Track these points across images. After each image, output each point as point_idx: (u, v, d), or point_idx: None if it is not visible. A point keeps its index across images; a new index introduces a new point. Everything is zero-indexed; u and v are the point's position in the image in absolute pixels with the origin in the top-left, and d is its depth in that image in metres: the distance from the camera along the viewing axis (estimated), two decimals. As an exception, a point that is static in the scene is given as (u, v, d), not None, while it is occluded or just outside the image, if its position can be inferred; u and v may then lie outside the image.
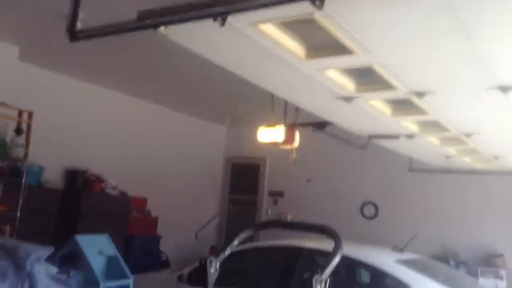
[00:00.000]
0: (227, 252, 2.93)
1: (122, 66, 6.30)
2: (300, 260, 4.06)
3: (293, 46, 2.39)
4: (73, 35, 2.29)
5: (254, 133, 5.29)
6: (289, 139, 4.60)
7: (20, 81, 5.82)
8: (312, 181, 6.77)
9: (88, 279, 3.41)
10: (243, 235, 3.04)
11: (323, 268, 2.33)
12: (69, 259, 3.43)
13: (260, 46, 2.30)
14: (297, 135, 4.66)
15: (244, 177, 9.74)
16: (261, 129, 4.74)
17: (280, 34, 2.25)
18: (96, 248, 3.64)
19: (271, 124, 4.71)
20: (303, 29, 2.31)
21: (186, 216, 8.60)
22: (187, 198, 8.69)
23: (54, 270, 3.05)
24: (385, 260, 3.99)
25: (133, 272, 5.98)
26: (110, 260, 3.71)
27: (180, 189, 8.56)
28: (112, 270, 3.70)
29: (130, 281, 3.70)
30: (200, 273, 2.83)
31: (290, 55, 2.42)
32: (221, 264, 4.15)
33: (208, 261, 2.73)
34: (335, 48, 2.37)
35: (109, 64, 6.26)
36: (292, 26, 2.29)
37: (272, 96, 4.61)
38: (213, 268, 2.74)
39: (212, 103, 8.01)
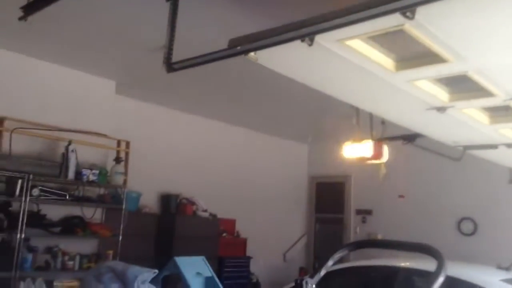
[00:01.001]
0: (323, 272, 2.89)
1: (210, 92, 6.58)
2: (397, 280, 3.90)
3: (382, 58, 2.36)
4: (170, 66, 2.45)
5: (336, 150, 5.22)
6: (377, 153, 4.49)
7: (118, 113, 6.28)
8: (404, 197, 6.48)
9: (188, 299, 3.53)
10: (337, 255, 2.98)
11: None
12: (169, 281, 3.59)
13: (348, 62, 2.30)
14: (385, 149, 4.54)
15: (330, 195, 9.61)
16: (347, 145, 4.67)
17: (368, 48, 2.24)
18: (194, 269, 3.77)
19: (357, 139, 4.62)
20: (391, 40, 2.28)
21: (273, 236, 8.65)
22: (274, 218, 8.75)
23: (158, 292, 3.20)
24: (491, 279, 3.71)
25: (225, 294, 6.12)
26: (207, 281, 3.82)
27: (267, 210, 8.65)
28: (209, 291, 3.80)
29: (226, 301, 3.78)
30: None
31: (379, 68, 2.39)
32: (317, 285, 4.12)
33: (304, 281, 2.70)
34: (427, 57, 2.30)
35: (198, 92, 6.57)
36: (380, 39, 2.27)
37: (356, 110, 4.56)
38: None
39: (293, 121, 8.06)
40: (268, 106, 7.05)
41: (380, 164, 4.85)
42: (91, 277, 2.92)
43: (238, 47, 2.13)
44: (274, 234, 8.71)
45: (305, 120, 7.84)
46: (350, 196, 9.22)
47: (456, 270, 3.80)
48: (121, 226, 5.75)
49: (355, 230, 8.97)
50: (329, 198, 9.64)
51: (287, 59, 2.31)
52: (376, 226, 8.48)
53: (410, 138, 4.40)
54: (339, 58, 2.25)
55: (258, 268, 8.14)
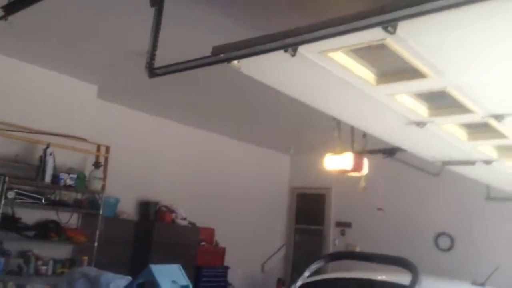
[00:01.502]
0: (299, 283, 2.88)
1: (192, 100, 6.56)
2: (373, 292, 3.91)
3: (363, 72, 2.38)
4: (152, 71, 2.44)
5: (318, 162, 5.23)
6: (357, 166, 4.51)
7: (99, 117, 6.21)
8: (383, 210, 6.55)
9: (163, 308, 3.48)
10: (314, 266, 2.98)
11: None
12: (143, 289, 3.53)
13: (330, 74, 2.32)
14: (365, 162, 4.57)
15: (310, 207, 9.63)
16: (328, 157, 4.69)
17: (349, 61, 2.27)
18: (170, 277, 3.71)
19: (338, 151, 4.65)
20: (372, 54, 2.31)
21: (252, 246, 8.62)
22: (253, 228, 8.72)
23: (130, 299, 3.14)
24: None
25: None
26: (183, 290, 3.78)
27: (247, 220, 8.62)
28: (185, 300, 3.75)
29: (202, 310, 3.74)
30: None
31: (361, 81, 2.42)
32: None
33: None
34: (407, 72, 2.33)
35: (180, 99, 6.55)
36: (362, 52, 2.30)
37: (338, 122, 4.59)
38: None
39: (276, 132, 8.08)
40: (251, 115, 7.06)
41: (360, 176, 4.87)
42: (64, 283, 2.86)
43: (221, 55, 2.13)
44: (253, 244, 8.67)
45: (288, 131, 7.87)
46: (330, 208, 9.25)
47: (432, 284, 3.83)
48: (97, 232, 5.66)
49: (334, 242, 8.99)
50: (309, 209, 9.66)
51: (270, 69, 2.31)
52: (355, 238, 8.51)
53: (390, 152, 4.45)
54: (322, 69, 2.26)
55: (236, 278, 8.08)
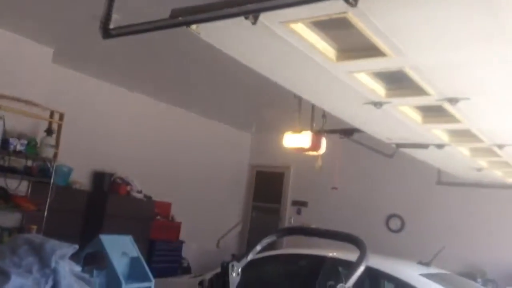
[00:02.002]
0: (250, 257, 2.88)
1: (152, 70, 6.39)
2: (323, 269, 4.00)
3: (324, 47, 2.36)
4: (107, 32, 2.33)
5: (279, 141, 5.25)
6: (315, 145, 4.55)
7: (53, 82, 5.96)
8: (337, 189, 6.68)
9: (111, 279, 3.43)
10: (266, 241, 3.00)
11: (347, 276, 2.26)
12: (93, 259, 3.46)
13: (291, 46, 2.28)
14: (323, 142, 4.61)
15: (268, 185, 9.71)
16: (287, 135, 4.70)
17: (311, 35, 2.23)
18: (120, 249, 3.67)
19: (297, 130, 4.66)
20: (335, 29, 2.28)
21: (209, 222, 8.61)
22: (210, 204, 8.71)
23: (78, 268, 3.08)
24: (411, 273, 3.89)
25: (154, 277, 6.02)
26: (133, 262, 3.73)
27: (204, 195, 8.59)
28: (134, 272, 3.72)
29: (151, 283, 3.72)
30: (221, 278, 2.78)
31: (321, 56, 2.39)
32: (243, 270, 4.13)
33: (230, 265, 2.68)
34: (367, 50, 2.32)
35: (139, 68, 6.37)
36: (325, 27, 2.27)
37: (299, 101, 4.59)
38: (235, 273, 2.69)
39: (238, 109, 8.03)
40: (213, 90, 6.97)
41: (317, 155, 4.92)
42: (6, 249, 2.74)
43: (179, 18, 2.05)
44: (210, 220, 8.67)
45: (250, 109, 7.84)
46: (288, 187, 9.36)
47: (380, 263, 3.96)
48: (48, 201, 5.48)
49: (289, 221, 9.11)
50: (267, 187, 9.74)
51: (230, 36, 2.25)
52: (310, 218, 8.65)
53: (348, 132, 4.50)
54: (282, 41, 2.22)
55: (190, 253, 8.08)
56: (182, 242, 7.84)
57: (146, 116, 7.67)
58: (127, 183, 7.02)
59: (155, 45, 5.15)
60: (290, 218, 9.14)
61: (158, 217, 7.58)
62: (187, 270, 7.91)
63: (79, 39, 5.44)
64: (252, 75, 2.78)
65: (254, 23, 2.00)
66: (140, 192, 7.15)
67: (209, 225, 8.65)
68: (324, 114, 4.58)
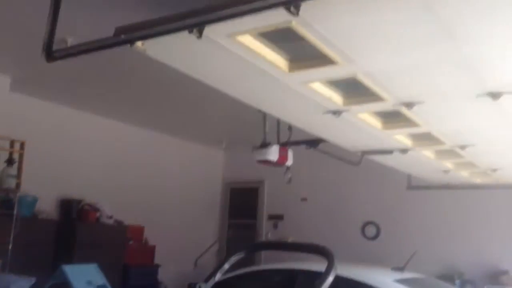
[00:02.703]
0: (218, 276, 2.82)
1: (114, 92, 6.29)
2: (297, 283, 3.93)
3: (275, 58, 2.34)
4: (50, 54, 2.26)
5: (251, 156, 5.20)
6: (282, 158, 4.52)
7: (12, 111, 5.79)
8: (307, 200, 6.66)
9: (77, 310, 3.30)
10: (233, 258, 2.95)
11: None
12: (57, 290, 3.33)
13: (241, 59, 2.25)
14: (290, 154, 4.58)
15: (243, 201, 9.62)
16: (254, 149, 4.66)
17: (260, 46, 2.21)
18: (85, 277, 3.54)
19: (264, 143, 4.63)
20: (283, 39, 2.27)
21: (185, 243, 8.45)
22: (185, 225, 8.56)
23: (39, 301, 2.95)
24: (384, 279, 3.87)
25: (130, 303, 5.84)
26: (100, 290, 3.61)
27: (178, 216, 8.44)
28: (102, 300, 3.59)
29: (120, 311, 3.59)
30: None
31: (273, 68, 2.37)
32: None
33: (197, 286, 2.61)
34: (318, 59, 2.32)
35: (101, 91, 6.25)
36: (274, 38, 2.25)
37: (264, 115, 4.57)
38: None
39: (207, 126, 7.97)
40: (179, 109, 6.90)
41: (285, 168, 4.89)
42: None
43: (122, 36, 2.00)
44: (186, 241, 8.51)
45: (219, 125, 7.78)
46: (263, 201, 9.29)
47: (353, 271, 3.93)
48: (12, 234, 5.28)
49: (267, 236, 9.03)
50: (243, 203, 9.64)
51: (176, 52, 2.21)
52: (287, 230, 8.59)
53: (313, 143, 4.49)
54: (231, 54, 2.19)
55: (167, 276, 7.89)
56: (158, 266, 7.65)
57: (112, 139, 7.53)
58: (96, 209, 6.83)
59: (115, 66, 5.08)
60: (267, 233, 9.06)
61: (131, 241, 7.39)
62: (164, 294, 7.73)
63: (36, 65, 5.28)
64: (214, 90, 2.73)
65: (199, 37, 1.96)
66: (110, 217, 6.97)
67: (185, 246, 8.48)
68: (290, 127, 4.57)
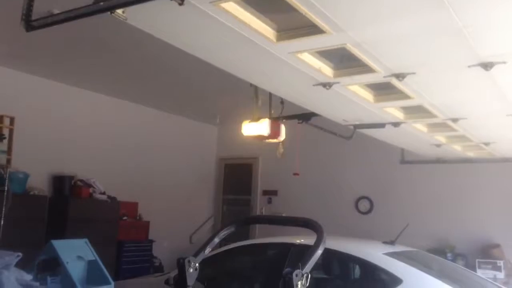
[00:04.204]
0: (207, 250, 2.78)
1: (107, 67, 6.17)
2: (289, 256, 3.94)
3: (262, 27, 2.27)
4: (29, 24, 2.17)
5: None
6: (274, 132, 4.48)
7: (1, 86, 5.69)
8: (299, 174, 6.66)
9: (66, 285, 3.27)
10: (223, 233, 2.90)
11: (304, 262, 2.18)
12: (46, 266, 3.29)
13: (226, 28, 2.18)
14: (282, 128, 4.54)
15: (238, 177, 9.61)
16: (245, 124, 4.61)
17: (245, 14, 2.14)
18: (75, 253, 3.50)
19: (255, 118, 4.58)
20: (271, 8, 2.20)
21: (179, 219, 8.45)
22: (180, 201, 8.55)
23: (28, 277, 2.92)
24: (374, 253, 3.87)
25: (124, 278, 5.86)
26: (90, 265, 3.57)
27: (173, 192, 8.42)
28: (92, 275, 3.56)
29: (111, 286, 3.56)
30: (179, 275, 2.68)
31: (260, 37, 2.30)
32: (212, 263, 4.06)
33: (186, 261, 2.57)
34: (307, 28, 2.25)
35: (94, 66, 6.13)
36: (260, 6, 2.18)
37: (255, 89, 4.51)
38: (192, 268, 2.57)
39: (201, 102, 7.88)
40: (172, 84, 6.80)
41: (278, 143, 4.86)
42: None
43: (102, 3, 1.92)
44: (181, 217, 8.51)
45: (212, 101, 7.69)
46: (257, 177, 9.28)
47: (343, 245, 3.94)
48: (3, 210, 5.25)
49: (261, 211, 9.05)
50: (237, 179, 9.64)
51: (159, 20, 2.13)
52: (281, 206, 8.60)
53: (305, 117, 4.43)
54: (216, 21, 2.12)
55: (161, 251, 7.92)
56: (152, 241, 7.67)
57: (104, 114, 7.43)
58: (89, 185, 6.79)
59: (105, 41, 4.97)
60: (261, 208, 9.08)
61: (125, 217, 7.39)
62: (159, 269, 7.76)
63: (24, 39, 5.18)
64: (207, 64, 2.66)
65: (181, 3, 1.89)
66: (103, 193, 6.94)
67: (180, 222, 8.49)
68: (282, 101, 4.51)
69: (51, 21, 2.14)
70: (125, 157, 7.61)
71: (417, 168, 7.07)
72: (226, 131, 9.50)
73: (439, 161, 6.31)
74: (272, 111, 4.74)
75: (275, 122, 4.53)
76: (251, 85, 4.40)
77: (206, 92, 7.12)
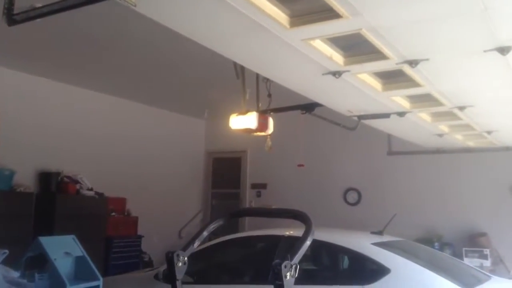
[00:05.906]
0: (196, 244, 2.71)
1: (93, 62, 5.98)
2: (278, 248, 3.88)
3: (275, 12, 2.15)
4: (11, 18, 2.02)
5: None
6: (262, 126, 4.36)
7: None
8: (304, 166, 6.63)
9: (54, 281, 3.17)
10: (212, 226, 2.87)
11: (292, 253, 2.13)
12: (33, 262, 3.19)
13: (238, 12, 2.05)
14: (270, 122, 4.44)
15: (226, 170, 9.51)
16: (233, 117, 4.49)
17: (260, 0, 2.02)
18: (62, 249, 3.40)
19: (243, 111, 4.46)
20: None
21: (168, 214, 8.33)
22: (168, 195, 8.41)
23: (15, 274, 2.81)
24: (362, 243, 3.85)
25: (113, 274, 5.73)
26: (78, 261, 3.49)
27: (161, 187, 8.28)
28: (81, 272, 3.48)
29: (99, 282, 3.47)
30: (168, 269, 2.60)
31: (273, 23, 2.19)
32: (201, 257, 3.97)
33: (174, 255, 2.49)
34: (322, 12, 2.15)
35: (79, 60, 5.93)
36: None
37: (242, 82, 4.40)
38: (181, 262, 2.49)
39: (189, 96, 7.73)
40: (159, 78, 6.64)
41: (266, 136, 4.76)
42: None
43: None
44: (170, 212, 8.38)
45: (200, 94, 7.55)
46: (246, 171, 9.20)
47: (331, 236, 3.97)
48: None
49: (250, 205, 8.98)
50: (225, 173, 9.54)
51: (169, 8, 1.99)
52: (270, 199, 8.54)
53: (308, 107, 4.33)
54: (228, 7, 1.99)
55: (151, 246, 7.78)
56: (141, 237, 7.54)
57: (91, 110, 7.23)
58: (76, 182, 6.61)
59: (90, 34, 4.79)
60: (250, 201, 9.01)
61: (113, 213, 7.23)
62: (149, 264, 7.63)
63: (9, 34, 4.97)
64: (195, 58, 2.54)
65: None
66: (90, 189, 6.76)
67: (168, 217, 8.36)
68: (269, 94, 4.43)
69: (33, 14, 1.99)
70: (112, 153, 7.44)
71: (404, 159, 7.08)
72: (214, 125, 9.37)
73: (425, 151, 6.30)
74: (260, 104, 4.63)
75: (263, 115, 4.42)
76: (237, 77, 4.30)
77: (194, 86, 6.99)
